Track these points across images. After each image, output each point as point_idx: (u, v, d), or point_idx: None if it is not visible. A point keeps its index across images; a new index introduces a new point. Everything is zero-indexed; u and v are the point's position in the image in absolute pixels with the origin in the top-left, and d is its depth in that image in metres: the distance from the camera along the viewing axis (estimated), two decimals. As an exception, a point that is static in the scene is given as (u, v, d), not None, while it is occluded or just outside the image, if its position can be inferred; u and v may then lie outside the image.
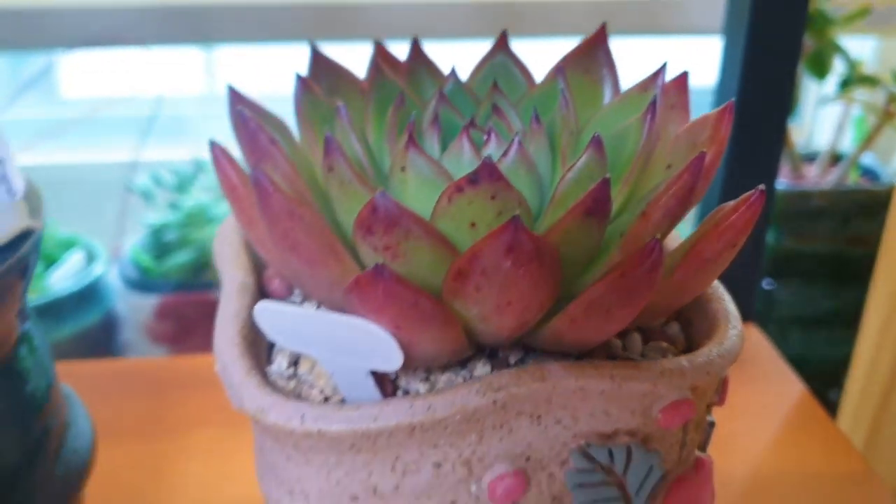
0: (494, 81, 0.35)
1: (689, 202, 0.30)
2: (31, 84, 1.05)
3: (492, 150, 0.32)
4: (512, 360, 0.32)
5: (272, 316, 0.29)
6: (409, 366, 0.30)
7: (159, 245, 0.91)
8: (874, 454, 0.62)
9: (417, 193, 0.30)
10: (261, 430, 0.30)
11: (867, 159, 0.97)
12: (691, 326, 0.36)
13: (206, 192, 0.95)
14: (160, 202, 0.94)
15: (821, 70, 0.87)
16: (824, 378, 0.94)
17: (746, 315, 0.65)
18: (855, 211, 0.89)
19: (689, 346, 0.35)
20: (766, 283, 0.93)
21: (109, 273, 0.97)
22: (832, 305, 0.93)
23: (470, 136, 0.31)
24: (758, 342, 0.63)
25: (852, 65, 0.88)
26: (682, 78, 0.37)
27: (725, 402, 0.35)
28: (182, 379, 0.59)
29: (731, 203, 0.30)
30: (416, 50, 0.39)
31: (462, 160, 0.31)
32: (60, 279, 0.93)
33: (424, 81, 0.38)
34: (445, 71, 0.38)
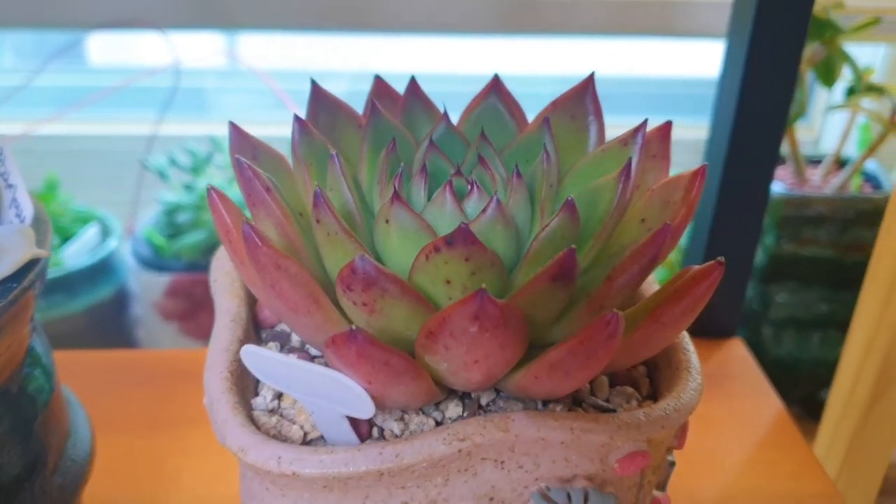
0: (482, 129, 0.37)
1: (652, 267, 0.32)
2: (55, 55, 1.07)
3: (473, 202, 0.34)
4: (484, 400, 0.34)
5: (257, 359, 0.31)
6: (384, 408, 0.32)
7: (172, 225, 0.93)
8: (854, 462, 0.63)
9: (400, 245, 0.32)
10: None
11: (870, 166, 0.98)
12: (657, 371, 0.38)
13: (221, 172, 0.97)
14: (175, 181, 0.96)
15: (829, 78, 0.88)
16: (816, 378, 0.96)
17: (730, 330, 0.67)
18: (855, 218, 0.90)
19: (653, 390, 0.37)
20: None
21: (123, 248, 0.99)
22: (827, 309, 0.95)
23: (453, 190, 0.33)
24: (742, 358, 0.65)
25: (859, 74, 0.89)
26: (665, 128, 0.39)
27: (685, 444, 0.37)
28: (182, 372, 0.61)
29: (694, 270, 0.32)
30: (413, 87, 0.40)
31: (444, 213, 0.33)
32: (75, 253, 0.95)
33: (419, 119, 0.40)
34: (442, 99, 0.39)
